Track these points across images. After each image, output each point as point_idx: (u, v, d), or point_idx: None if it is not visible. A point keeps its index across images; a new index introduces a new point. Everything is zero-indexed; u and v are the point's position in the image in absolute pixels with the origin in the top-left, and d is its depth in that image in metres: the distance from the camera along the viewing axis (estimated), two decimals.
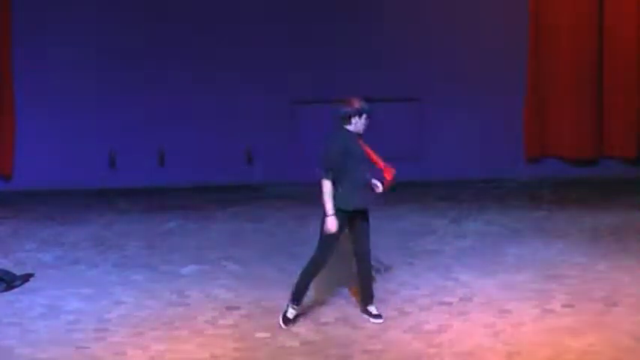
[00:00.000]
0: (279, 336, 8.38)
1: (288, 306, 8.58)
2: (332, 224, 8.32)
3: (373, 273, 8.94)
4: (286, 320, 8.57)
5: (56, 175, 12.79)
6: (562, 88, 13.03)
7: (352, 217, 8.51)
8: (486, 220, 11.40)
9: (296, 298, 8.58)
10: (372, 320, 8.65)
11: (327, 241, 8.45)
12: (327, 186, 8.28)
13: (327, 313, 8.83)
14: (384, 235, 10.76)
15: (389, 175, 8.60)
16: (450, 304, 8.98)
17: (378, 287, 9.33)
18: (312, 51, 12.92)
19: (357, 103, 8.48)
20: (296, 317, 8.60)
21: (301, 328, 8.55)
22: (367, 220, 8.59)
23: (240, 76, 12.91)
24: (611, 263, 9.93)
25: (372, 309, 8.73)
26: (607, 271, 9.74)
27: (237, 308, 8.98)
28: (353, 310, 8.91)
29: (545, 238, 10.72)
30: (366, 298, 8.73)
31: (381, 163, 8.62)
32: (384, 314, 8.75)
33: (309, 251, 10.37)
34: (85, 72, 12.78)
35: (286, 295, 9.25)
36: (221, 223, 11.48)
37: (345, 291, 9.30)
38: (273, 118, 12.99)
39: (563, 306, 8.91)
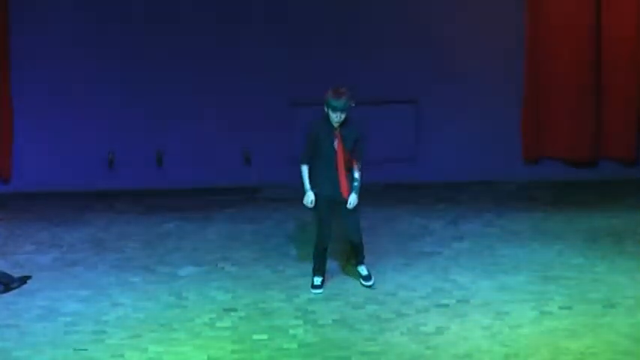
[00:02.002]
0: (277, 338, 8.39)
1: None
2: (306, 199, 9.07)
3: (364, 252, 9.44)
4: (314, 286, 9.36)
5: (54, 176, 12.77)
6: (560, 89, 13.01)
7: (337, 204, 9.03)
8: (484, 222, 11.41)
9: (315, 270, 9.41)
10: (362, 282, 9.30)
11: (317, 221, 9.19)
12: (302, 169, 9.07)
13: (325, 315, 8.84)
14: (381, 237, 10.78)
15: (344, 192, 8.99)
16: (447, 306, 8.99)
17: (377, 288, 9.35)
18: (311, 53, 12.91)
19: (329, 94, 8.71)
20: (323, 282, 9.38)
21: (299, 329, 8.56)
22: (354, 209, 9.04)
23: (238, 77, 12.90)
24: (609, 265, 9.94)
25: (362, 268, 9.35)
26: (605, 272, 9.75)
27: (235, 310, 8.99)
28: (351, 311, 8.92)
29: (543, 240, 10.73)
30: (359, 260, 9.39)
31: (342, 174, 8.82)
32: (381, 316, 8.77)
33: (307, 253, 10.41)
34: (83, 73, 12.75)
35: (283, 297, 9.28)
36: (219, 225, 11.48)
37: (343, 293, 9.30)
38: (272, 119, 12.98)
39: (561, 308, 8.92)
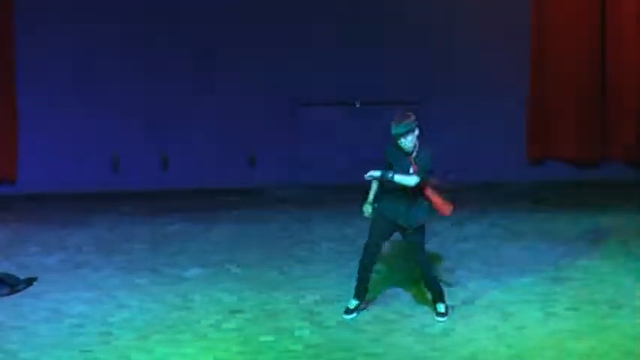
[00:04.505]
0: (283, 339, 8.40)
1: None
2: (366, 208, 8.62)
3: (436, 279, 8.95)
4: (347, 310, 8.83)
5: (59, 178, 12.79)
6: (564, 90, 13.02)
7: (399, 229, 8.63)
8: (489, 223, 11.41)
9: (355, 292, 8.85)
10: (436, 317, 8.79)
11: (368, 236, 8.71)
12: (373, 184, 8.67)
13: (331, 317, 8.84)
14: None
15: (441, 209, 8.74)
16: (452, 307, 8.98)
17: (378, 289, 9.35)
18: (314, 53, 12.92)
19: (392, 122, 8.41)
20: (357, 307, 8.86)
21: (305, 331, 8.57)
22: (415, 236, 8.63)
23: (241, 78, 12.92)
24: (614, 266, 9.94)
25: (439, 306, 8.83)
26: (610, 273, 9.74)
27: (241, 311, 8.99)
28: (356, 313, 8.92)
29: (548, 241, 10.72)
30: (433, 297, 8.88)
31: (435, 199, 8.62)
32: (386, 317, 8.77)
33: (312, 254, 10.41)
34: (88, 75, 12.78)
35: (289, 298, 9.28)
36: (224, 226, 11.49)
37: (348, 294, 9.30)
38: (276, 120, 13.00)
39: (567, 309, 8.92)
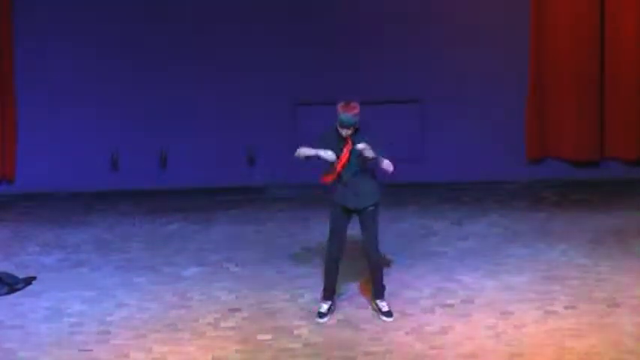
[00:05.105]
0: (281, 338, 8.40)
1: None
2: (326, 155, 8.50)
3: (383, 269, 9.02)
4: (320, 315, 8.78)
5: (58, 177, 12.79)
6: (563, 89, 13.01)
7: (357, 214, 8.66)
8: (488, 222, 11.40)
9: (323, 293, 8.87)
10: (381, 317, 8.72)
11: (329, 232, 8.76)
12: (301, 149, 8.72)
13: (329, 315, 8.84)
14: (385, 237, 10.76)
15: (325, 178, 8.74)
16: (451, 305, 8.99)
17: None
18: (314, 52, 12.91)
19: (339, 107, 8.54)
20: (330, 309, 8.83)
21: (303, 329, 8.57)
22: (371, 216, 8.66)
23: (241, 77, 12.90)
24: (613, 265, 9.93)
25: (382, 305, 8.80)
26: (609, 272, 9.74)
27: (239, 310, 8.99)
28: (355, 311, 8.92)
29: (547, 240, 10.72)
30: (374, 292, 8.87)
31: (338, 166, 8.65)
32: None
33: (310, 253, 10.41)
34: (87, 74, 12.77)
35: (287, 297, 9.28)
36: (222, 225, 11.49)
37: (347, 293, 9.30)
38: (275, 119, 12.99)
39: (566, 307, 8.92)
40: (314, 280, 9.57)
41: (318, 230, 11.22)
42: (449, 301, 9.07)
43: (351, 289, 9.40)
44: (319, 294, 9.15)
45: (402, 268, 9.92)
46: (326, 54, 12.89)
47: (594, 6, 12.83)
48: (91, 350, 8.20)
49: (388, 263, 9.70)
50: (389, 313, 8.76)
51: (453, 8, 12.90)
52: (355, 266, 9.67)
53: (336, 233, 8.72)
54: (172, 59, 12.85)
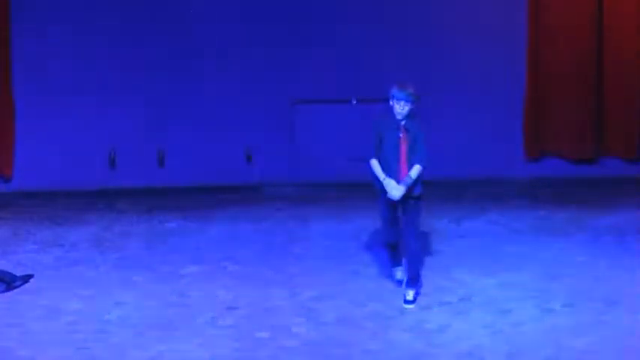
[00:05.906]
0: (279, 336, 8.38)
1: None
2: (388, 186, 8.73)
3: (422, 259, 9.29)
4: (397, 280, 9.27)
5: (56, 175, 12.79)
6: (562, 87, 13.02)
7: (400, 203, 8.85)
8: (486, 220, 11.40)
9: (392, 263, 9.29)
10: (404, 304, 8.92)
11: (381, 219, 9.03)
12: (373, 163, 8.83)
13: (328, 313, 8.83)
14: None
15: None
16: (450, 303, 8.98)
17: (378, 287, 9.34)
18: (312, 51, 12.92)
19: (393, 87, 8.73)
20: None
21: (302, 327, 8.55)
22: (414, 206, 8.89)
23: (240, 75, 12.91)
24: (611, 263, 9.93)
25: (407, 292, 8.97)
26: (607, 270, 9.74)
27: (237, 308, 8.98)
28: (353, 309, 8.92)
29: (545, 238, 10.72)
30: (407, 279, 9.06)
31: (405, 167, 8.84)
32: (384, 314, 8.76)
33: (308, 251, 10.40)
34: (85, 72, 12.77)
35: (286, 295, 9.27)
36: (221, 224, 11.48)
37: (346, 290, 9.29)
38: (273, 118, 12.99)
39: (564, 305, 8.91)
40: (312, 278, 9.56)
41: (316, 228, 11.23)
42: (447, 299, 9.06)
43: (350, 287, 9.40)
44: (317, 292, 9.16)
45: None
46: (324, 53, 12.90)
47: (593, 5, 12.84)
48: (89, 348, 8.18)
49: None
50: (409, 302, 8.93)
51: (452, 7, 12.90)
52: (354, 264, 9.68)
53: (389, 221, 8.98)
54: (170, 58, 12.85)
